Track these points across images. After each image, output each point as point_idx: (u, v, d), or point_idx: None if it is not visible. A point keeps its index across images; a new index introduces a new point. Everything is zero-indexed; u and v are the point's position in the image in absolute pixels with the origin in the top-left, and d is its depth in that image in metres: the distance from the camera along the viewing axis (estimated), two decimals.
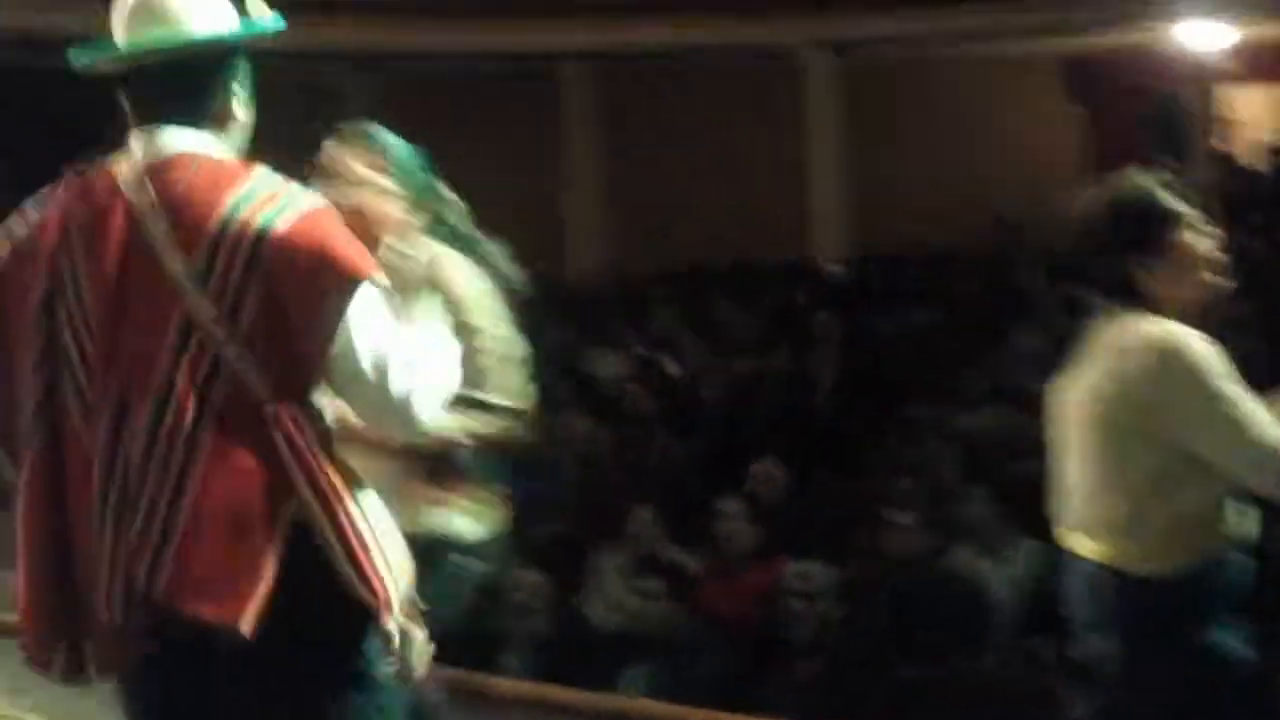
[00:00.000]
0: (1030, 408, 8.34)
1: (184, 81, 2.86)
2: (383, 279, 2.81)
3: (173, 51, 2.85)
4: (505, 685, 5.89)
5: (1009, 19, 13.83)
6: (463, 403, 3.58)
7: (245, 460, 2.70)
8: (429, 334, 2.96)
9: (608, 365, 11.54)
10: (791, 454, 8.56)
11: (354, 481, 2.81)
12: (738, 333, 12.19)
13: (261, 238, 2.71)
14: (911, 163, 15.38)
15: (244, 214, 2.72)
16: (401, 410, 2.80)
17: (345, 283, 2.72)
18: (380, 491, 3.39)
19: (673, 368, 11.41)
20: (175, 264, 2.71)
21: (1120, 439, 3.74)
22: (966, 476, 7.86)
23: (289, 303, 2.71)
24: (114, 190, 2.81)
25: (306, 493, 2.71)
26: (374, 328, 2.78)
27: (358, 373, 2.76)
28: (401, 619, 2.83)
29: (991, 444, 8.53)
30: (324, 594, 2.72)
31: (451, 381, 2.96)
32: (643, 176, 15.42)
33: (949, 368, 10.05)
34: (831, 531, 7.62)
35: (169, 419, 2.70)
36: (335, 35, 12.73)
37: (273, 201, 2.75)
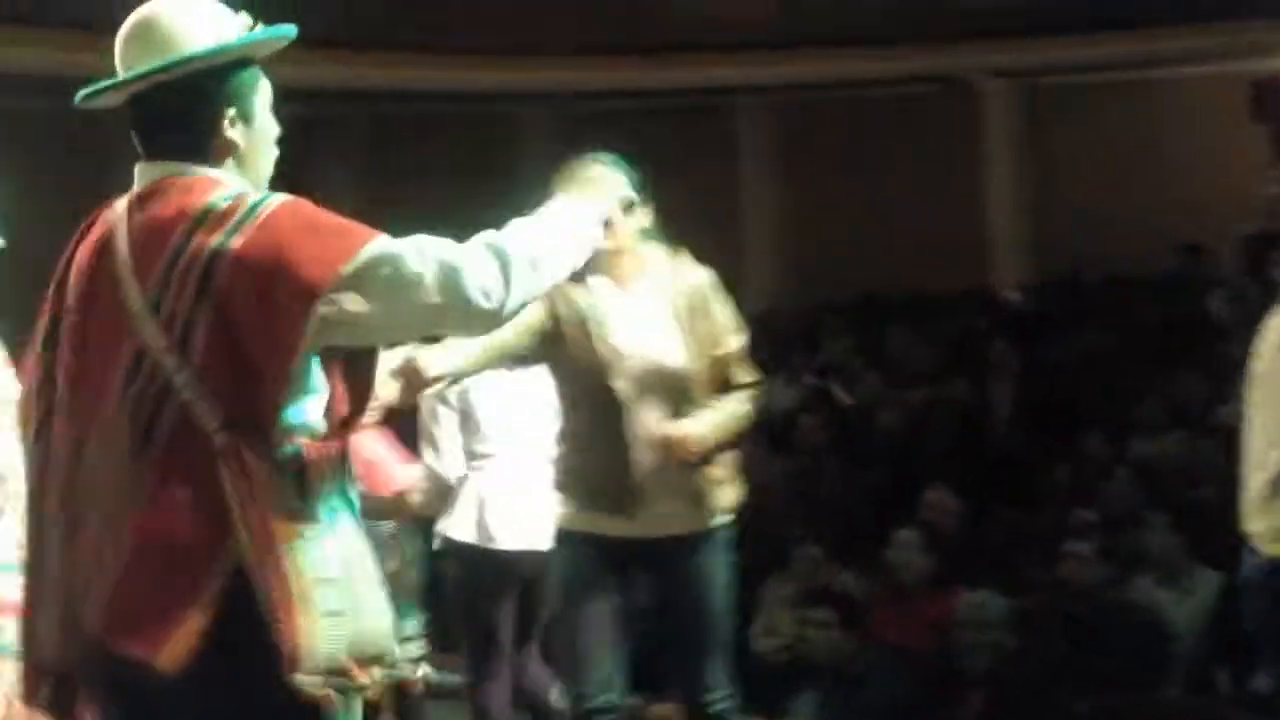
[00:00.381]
0: (1211, 433, 8.25)
1: (172, 108, 2.74)
2: (374, 244, 2.60)
3: (152, 75, 2.72)
4: (673, 712, 5.88)
5: (1183, 44, 13.62)
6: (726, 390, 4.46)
7: (186, 494, 2.58)
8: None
9: (780, 395, 11.48)
10: (966, 483, 8.45)
11: (308, 521, 2.61)
12: (913, 362, 12.07)
13: (213, 264, 2.59)
14: (1087, 188, 15.13)
15: (197, 240, 2.61)
16: (453, 295, 2.61)
17: (300, 297, 2.56)
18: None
19: (844, 396, 11.33)
20: (133, 296, 2.64)
21: (1255, 417, 3.68)
22: (1146, 504, 7.70)
23: (242, 328, 2.58)
24: (106, 225, 2.77)
25: (243, 535, 2.55)
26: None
27: (377, 279, 2.58)
28: (337, 676, 2.59)
29: (1171, 471, 8.37)
30: (261, 637, 2.54)
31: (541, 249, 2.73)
32: (818, 207, 15.38)
33: (1128, 394, 9.86)
34: (1006, 561, 7.53)
35: (114, 449, 2.63)
36: (523, 77, 13.04)
37: (227, 220, 2.62)
